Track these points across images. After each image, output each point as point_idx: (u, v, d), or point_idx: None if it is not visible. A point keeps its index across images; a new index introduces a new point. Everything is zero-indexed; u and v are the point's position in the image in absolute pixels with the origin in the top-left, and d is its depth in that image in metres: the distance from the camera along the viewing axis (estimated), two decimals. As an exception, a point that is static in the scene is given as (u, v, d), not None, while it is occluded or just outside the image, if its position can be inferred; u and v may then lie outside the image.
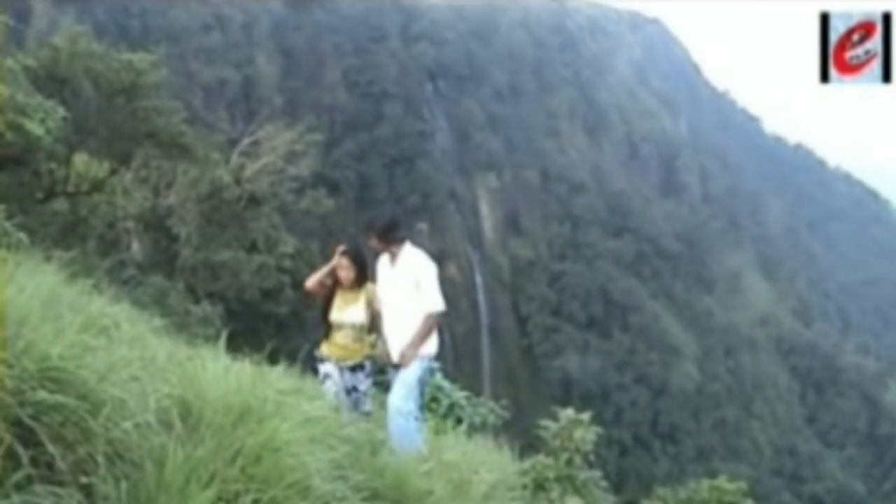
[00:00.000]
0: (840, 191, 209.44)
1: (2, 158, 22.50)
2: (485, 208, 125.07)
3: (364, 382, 8.94)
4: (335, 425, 6.19)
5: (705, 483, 15.77)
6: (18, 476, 3.84)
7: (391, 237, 8.84)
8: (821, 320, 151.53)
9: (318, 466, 5.05)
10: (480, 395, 18.42)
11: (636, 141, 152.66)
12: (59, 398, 4.05)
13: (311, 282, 9.28)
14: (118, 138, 31.42)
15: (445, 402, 15.18)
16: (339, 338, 8.99)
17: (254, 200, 41.92)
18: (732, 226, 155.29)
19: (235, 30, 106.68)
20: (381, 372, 9.49)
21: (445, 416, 14.20)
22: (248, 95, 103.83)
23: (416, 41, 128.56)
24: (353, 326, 8.94)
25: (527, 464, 9.76)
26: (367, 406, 8.94)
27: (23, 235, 11.41)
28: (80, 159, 31.58)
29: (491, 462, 9.67)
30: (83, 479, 4.06)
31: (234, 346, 6.11)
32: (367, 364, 9.00)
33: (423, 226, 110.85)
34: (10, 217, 10.77)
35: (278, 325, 39.15)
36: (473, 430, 13.56)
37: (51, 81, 27.82)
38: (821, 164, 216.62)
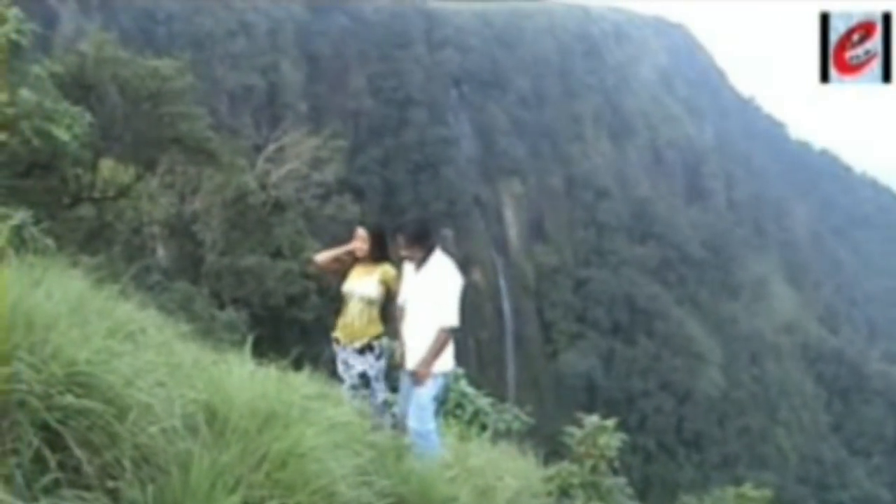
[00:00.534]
0: (866, 197, 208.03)
1: (29, 164, 22.60)
2: (509, 214, 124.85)
3: (374, 366, 8.89)
4: (360, 431, 6.19)
5: (730, 490, 15.65)
6: (46, 480, 3.87)
7: (422, 243, 8.71)
8: (847, 327, 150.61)
9: (343, 472, 5.05)
10: (505, 400, 18.39)
11: (661, 147, 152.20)
12: (86, 403, 4.07)
13: (322, 255, 9.43)
14: (144, 144, 31.58)
15: (470, 408, 15.14)
16: (348, 311, 9.00)
17: (279, 206, 42.07)
18: (758, 232, 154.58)
19: (260, 36, 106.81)
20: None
21: (470, 423, 14.16)
22: (273, 101, 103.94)
23: (440, 47, 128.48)
24: (362, 298, 8.91)
25: (551, 470, 9.72)
26: (381, 395, 8.91)
27: (50, 241, 11.48)
28: (107, 165, 31.73)
29: (515, 468, 9.67)
30: (110, 484, 4.08)
31: (259, 352, 6.12)
32: (377, 345, 8.94)
33: (448, 232, 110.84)
34: (37, 222, 10.82)
35: (303, 330, 39.23)
36: (498, 436, 13.53)
37: (77, 87, 27.99)
38: (847, 169, 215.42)
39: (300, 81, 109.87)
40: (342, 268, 9.17)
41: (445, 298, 8.52)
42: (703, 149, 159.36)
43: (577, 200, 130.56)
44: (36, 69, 24.18)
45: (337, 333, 9.05)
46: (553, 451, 10.85)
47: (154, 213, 38.32)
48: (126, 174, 33.10)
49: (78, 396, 4.07)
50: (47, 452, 3.90)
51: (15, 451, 3.86)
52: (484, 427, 14.10)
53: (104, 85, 29.45)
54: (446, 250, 9.00)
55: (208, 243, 40.93)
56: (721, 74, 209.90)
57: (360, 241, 9.04)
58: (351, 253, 9.09)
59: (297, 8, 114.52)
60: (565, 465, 9.69)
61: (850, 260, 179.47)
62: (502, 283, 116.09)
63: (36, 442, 3.89)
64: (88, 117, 22.98)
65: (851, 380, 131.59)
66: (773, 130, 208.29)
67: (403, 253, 8.77)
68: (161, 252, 42.32)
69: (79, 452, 3.99)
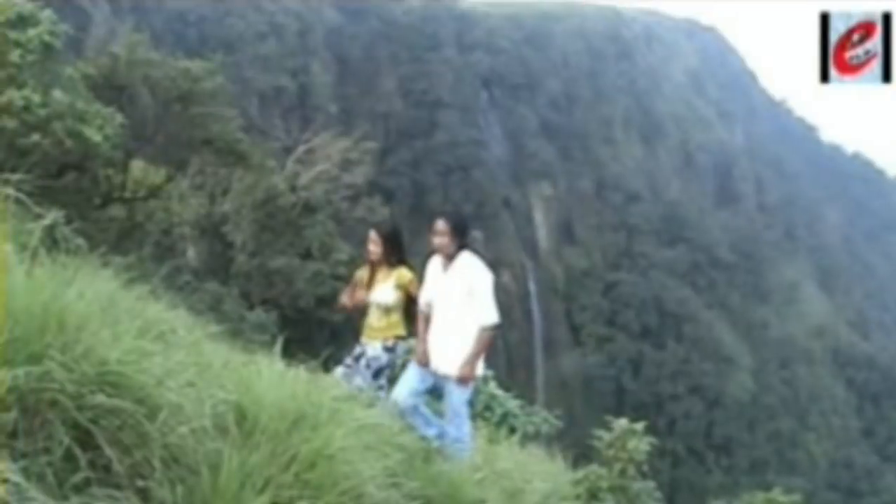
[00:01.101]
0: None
1: (61, 164, 22.76)
2: (539, 217, 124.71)
3: (376, 350, 8.86)
4: (389, 433, 6.19)
5: (760, 496, 15.53)
6: (77, 478, 3.89)
7: (459, 236, 8.50)
8: (878, 332, 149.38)
9: (372, 473, 5.06)
10: (534, 403, 18.38)
11: (692, 150, 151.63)
12: (117, 402, 4.09)
13: (344, 297, 9.40)
14: (174, 145, 31.77)
15: (499, 410, 15.15)
16: (369, 317, 9.02)
17: (308, 208, 42.15)
18: (788, 236, 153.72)
19: (291, 38, 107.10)
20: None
21: (499, 425, 14.14)
22: (304, 103, 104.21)
23: (471, 50, 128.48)
24: (379, 306, 8.90)
25: (580, 473, 9.71)
26: (382, 380, 8.80)
27: (81, 241, 11.55)
28: (137, 165, 31.93)
29: (544, 471, 9.68)
30: (139, 483, 4.10)
31: (288, 353, 6.13)
32: (391, 340, 8.91)
33: (477, 233, 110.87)
34: (68, 222, 10.89)
35: (332, 332, 39.25)
36: (527, 439, 13.52)
37: (109, 89, 28.18)
38: (879, 173, 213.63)
39: (330, 83, 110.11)
40: (358, 303, 9.19)
41: (482, 296, 8.34)
42: (733, 152, 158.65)
43: (607, 203, 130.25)
44: (68, 70, 24.39)
45: (363, 336, 9.06)
46: (582, 454, 10.84)
47: (184, 214, 38.53)
48: (157, 175, 33.28)
49: (109, 396, 4.09)
50: (78, 451, 3.92)
51: (46, 450, 3.88)
52: (513, 430, 14.09)
53: (136, 86, 29.64)
54: (475, 251, 8.76)
55: (238, 244, 41.09)
56: (752, 77, 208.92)
57: (373, 245, 9.01)
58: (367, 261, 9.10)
59: (327, 10, 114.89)
60: (594, 469, 9.69)
61: (881, 264, 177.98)
62: (531, 285, 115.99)
63: (67, 441, 3.91)
64: (120, 118, 23.17)
65: (883, 385, 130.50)
66: (804, 133, 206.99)
67: (437, 241, 8.49)
68: (191, 253, 42.50)
69: (109, 451, 4.01)
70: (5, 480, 3.56)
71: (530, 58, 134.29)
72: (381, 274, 9.00)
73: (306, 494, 4.56)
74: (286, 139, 70.04)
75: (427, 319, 8.64)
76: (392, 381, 8.90)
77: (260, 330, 30.12)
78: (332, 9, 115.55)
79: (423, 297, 8.71)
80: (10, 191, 5.51)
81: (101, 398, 4.05)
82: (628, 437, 9.88)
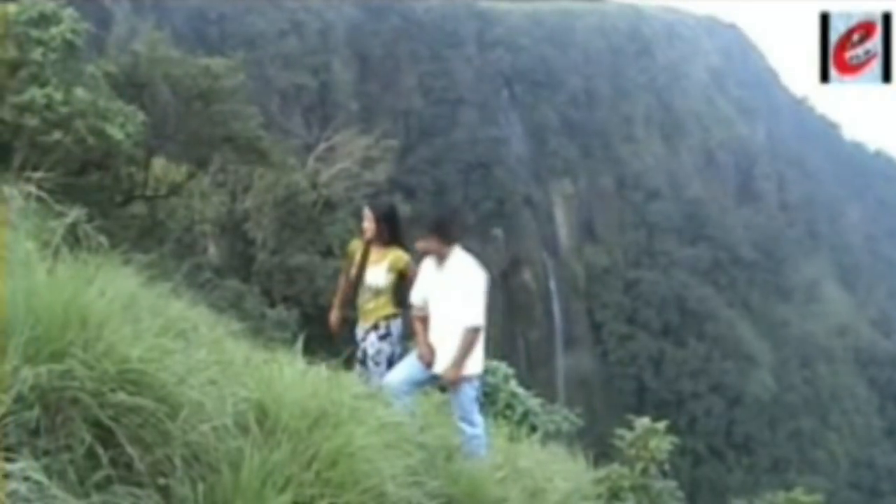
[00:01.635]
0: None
1: (83, 162, 22.83)
2: (560, 215, 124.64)
3: (374, 345, 8.75)
4: (410, 431, 6.19)
5: (781, 495, 15.49)
6: (98, 476, 3.89)
7: (441, 237, 8.31)
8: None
9: (393, 472, 5.05)
10: (554, 401, 18.38)
11: (713, 148, 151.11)
12: (139, 400, 4.09)
13: (333, 315, 9.43)
14: (196, 142, 31.78)
15: (520, 408, 15.17)
16: (359, 297, 8.96)
17: (329, 205, 42.14)
18: (810, 234, 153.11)
19: (312, 35, 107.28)
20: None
21: (520, 423, 14.14)
22: (324, 101, 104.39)
23: (491, 47, 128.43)
24: (370, 288, 8.82)
25: (601, 472, 9.70)
26: (377, 377, 8.53)
27: (103, 238, 11.56)
28: (159, 163, 31.97)
29: (565, 470, 9.64)
30: (161, 481, 4.10)
31: (309, 351, 6.12)
32: (383, 325, 8.80)
33: (498, 232, 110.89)
34: (90, 220, 10.90)
35: (353, 330, 39.21)
36: (548, 437, 13.51)
37: (130, 86, 28.23)
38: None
39: (351, 81, 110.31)
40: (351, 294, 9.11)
41: (471, 297, 8.19)
42: (755, 150, 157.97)
43: (628, 201, 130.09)
44: (90, 68, 24.47)
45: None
46: (602, 452, 10.82)
47: (205, 212, 38.56)
48: (178, 172, 33.33)
49: (130, 394, 4.09)
50: (100, 449, 3.93)
51: (68, 448, 3.88)
52: (534, 428, 14.09)
53: (157, 84, 29.67)
54: (467, 248, 8.59)
55: (259, 242, 41.15)
56: (774, 74, 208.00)
57: (367, 222, 8.88)
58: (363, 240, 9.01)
59: (348, 8, 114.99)
60: (615, 468, 9.69)
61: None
62: (552, 283, 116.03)
63: (88, 438, 3.92)
64: (141, 116, 23.25)
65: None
66: (826, 131, 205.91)
67: (419, 245, 8.44)
68: (212, 250, 42.60)
69: (130, 449, 4.02)
70: (27, 478, 3.57)
71: (551, 55, 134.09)
72: (375, 254, 8.89)
73: (327, 493, 4.56)
74: (307, 137, 70.24)
75: (424, 320, 8.51)
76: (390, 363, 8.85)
77: (281, 327, 30.18)
78: (353, 6, 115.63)
79: (415, 296, 8.60)
80: (33, 188, 5.53)
81: (122, 396, 4.06)
82: (650, 436, 9.87)
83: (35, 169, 14.04)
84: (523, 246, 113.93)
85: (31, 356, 3.97)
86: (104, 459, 3.92)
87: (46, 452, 3.80)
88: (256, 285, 37.86)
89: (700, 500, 76.92)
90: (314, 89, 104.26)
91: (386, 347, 8.81)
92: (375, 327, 8.79)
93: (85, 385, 3.98)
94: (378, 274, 8.79)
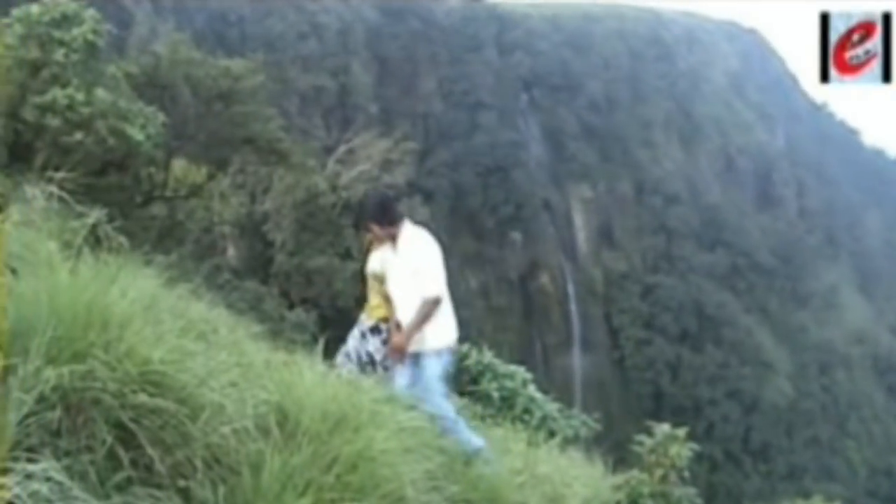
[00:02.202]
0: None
1: (104, 163, 22.88)
2: (578, 219, 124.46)
3: (381, 350, 8.43)
4: (430, 436, 6.17)
5: (798, 502, 15.48)
6: (119, 477, 3.90)
7: (384, 221, 8.30)
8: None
9: (413, 476, 5.05)
10: (572, 406, 18.37)
11: (732, 153, 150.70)
12: (159, 402, 4.11)
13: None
14: (216, 144, 31.87)
15: (538, 413, 15.15)
16: (370, 293, 8.77)
17: (349, 207, 42.16)
18: (829, 240, 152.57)
19: (331, 38, 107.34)
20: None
21: (538, 428, 14.11)
22: (344, 103, 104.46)
23: (511, 51, 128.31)
24: (369, 275, 8.68)
25: (620, 478, 9.67)
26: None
27: (123, 239, 11.61)
28: (179, 164, 32.07)
29: (584, 476, 9.65)
30: (181, 483, 4.11)
31: (328, 353, 6.12)
32: (383, 327, 8.52)
33: (516, 235, 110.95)
34: (111, 220, 10.94)
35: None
36: (566, 442, 13.48)
37: (151, 88, 28.35)
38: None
39: (370, 83, 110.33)
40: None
41: (425, 268, 8.11)
42: (774, 155, 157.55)
43: (647, 206, 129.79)
44: (111, 69, 24.58)
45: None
46: (621, 458, 10.79)
47: (225, 213, 38.72)
48: (198, 174, 33.42)
49: (151, 395, 4.10)
50: (120, 450, 3.94)
51: (89, 449, 3.89)
52: (552, 433, 14.05)
53: (177, 85, 29.79)
54: (420, 223, 8.55)
55: (278, 243, 41.22)
56: (794, 79, 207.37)
57: (370, 234, 8.62)
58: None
59: (368, 10, 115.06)
60: (634, 474, 9.65)
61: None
62: (570, 288, 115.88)
63: (109, 440, 3.93)
64: (162, 117, 23.29)
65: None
66: (846, 137, 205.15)
67: (370, 237, 8.50)
68: (231, 251, 42.74)
69: (151, 451, 4.03)
70: (49, 479, 3.57)
71: (570, 59, 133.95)
72: (378, 241, 8.61)
73: (347, 496, 4.56)
74: (327, 139, 70.38)
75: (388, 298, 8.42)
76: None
77: (299, 329, 30.23)
78: (372, 9, 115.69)
79: (372, 264, 8.58)
80: (55, 189, 5.54)
81: (143, 397, 4.07)
82: (670, 442, 9.82)
83: (56, 169, 14.11)
84: (541, 250, 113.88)
85: (53, 357, 3.98)
86: (125, 461, 3.94)
87: (68, 453, 3.82)
88: (275, 287, 37.97)
89: (716, 507, 76.78)
90: (334, 91, 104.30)
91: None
92: (378, 330, 8.56)
93: (106, 386, 3.99)
94: (374, 260, 8.61)
